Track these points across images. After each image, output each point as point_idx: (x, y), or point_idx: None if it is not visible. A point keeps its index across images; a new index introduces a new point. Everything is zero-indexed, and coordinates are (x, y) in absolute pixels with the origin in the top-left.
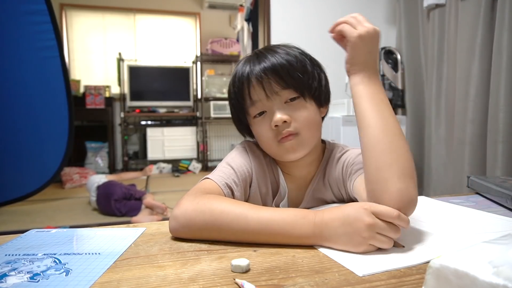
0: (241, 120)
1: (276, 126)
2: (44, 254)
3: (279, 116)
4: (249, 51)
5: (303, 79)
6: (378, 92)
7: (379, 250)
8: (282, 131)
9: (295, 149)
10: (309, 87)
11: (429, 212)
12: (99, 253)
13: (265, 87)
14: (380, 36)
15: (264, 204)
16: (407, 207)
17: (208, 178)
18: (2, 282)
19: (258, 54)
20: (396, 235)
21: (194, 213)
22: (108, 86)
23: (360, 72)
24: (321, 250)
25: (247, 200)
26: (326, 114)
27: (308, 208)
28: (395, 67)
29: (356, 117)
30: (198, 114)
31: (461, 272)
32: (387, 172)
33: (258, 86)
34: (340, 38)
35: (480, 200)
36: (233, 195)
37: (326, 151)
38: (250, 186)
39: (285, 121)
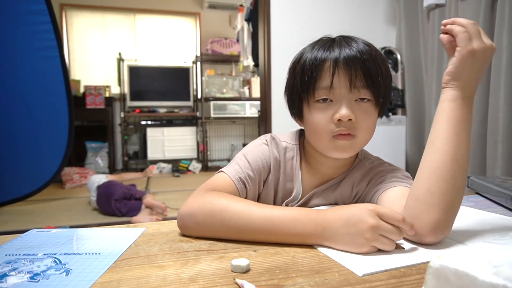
0: (301, 98)
1: (339, 120)
2: (44, 254)
3: (347, 112)
4: (249, 51)
5: (382, 84)
6: (467, 118)
7: (379, 250)
8: (342, 127)
9: (346, 149)
10: (384, 95)
11: None
12: (99, 253)
13: (352, 78)
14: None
15: (275, 202)
16: (437, 236)
17: (222, 171)
18: (2, 282)
19: (341, 40)
20: (399, 238)
21: (199, 206)
22: (108, 86)
23: (458, 90)
24: (321, 250)
25: (259, 195)
26: None
27: (306, 205)
28: (395, 67)
29: (431, 132)
30: (198, 114)
31: (461, 272)
32: (437, 199)
33: (344, 74)
34: (449, 41)
35: (480, 200)
36: (246, 190)
37: (357, 159)
38: (264, 182)
39: (350, 119)
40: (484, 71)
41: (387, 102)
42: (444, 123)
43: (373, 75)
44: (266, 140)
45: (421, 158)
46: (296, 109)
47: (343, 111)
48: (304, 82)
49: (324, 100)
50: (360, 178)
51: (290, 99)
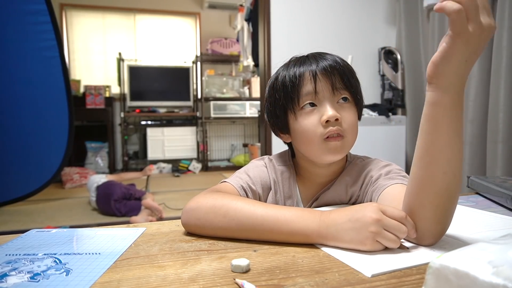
0: (285, 110)
1: (327, 122)
2: (45, 254)
3: (333, 112)
4: (249, 51)
5: (357, 85)
6: (461, 120)
7: (384, 249)
8: (331, 129)
9: (338, 151)
10: (359, 96)
11: None
12: (99, 253)
13: (333, 81)
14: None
15: None
16: (435, 240)
17: (225, 181)
18: (2, 282)
19: (315, 55)
20: (403, 234)
21: (202, 202)
22: (108, 86)
23: (448, 89)
24: (324, 249)
25: None
26: None
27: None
28: (395, 67)
29: (422, 143)
30: (198, 114)
31: (461, 272)
32: (431, 212)
33: (325, 79)
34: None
35: (480, 200)
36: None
37: (347, 161)
38: (266, 202)
39: (337, 119)
40: (476, 59)
41: (361, 106)
42: (441, 137)
43: (349, 78)
44: (265, 163)
45: (411, 169)
46: (282, 123)
47: (330, 112)
48: (287, 94)
49: (309, 105)
50: (354, 178)
51: (274, 116)
